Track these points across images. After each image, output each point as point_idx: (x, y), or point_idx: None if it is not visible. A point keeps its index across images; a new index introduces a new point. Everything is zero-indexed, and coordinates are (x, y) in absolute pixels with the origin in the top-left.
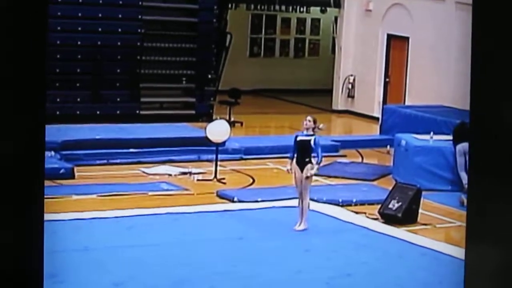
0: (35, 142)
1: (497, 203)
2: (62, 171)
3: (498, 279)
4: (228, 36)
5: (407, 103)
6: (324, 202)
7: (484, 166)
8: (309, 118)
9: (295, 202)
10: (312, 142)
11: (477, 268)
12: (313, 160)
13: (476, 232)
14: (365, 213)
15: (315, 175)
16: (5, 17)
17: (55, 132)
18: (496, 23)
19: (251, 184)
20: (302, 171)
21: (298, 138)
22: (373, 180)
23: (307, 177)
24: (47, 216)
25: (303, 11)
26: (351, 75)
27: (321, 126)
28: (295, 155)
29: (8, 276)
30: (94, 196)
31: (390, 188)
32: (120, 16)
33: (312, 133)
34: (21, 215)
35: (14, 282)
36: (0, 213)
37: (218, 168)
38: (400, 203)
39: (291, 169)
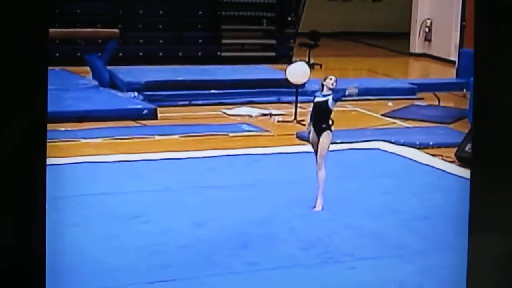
0: (36, 138)
1: (500, 193)
2: (145, 111)
3: (501, 270)
4: None
5: None
6: (402, 145)
7: (487, 156)
8: (331, 76)
9: (373, 145)
10: (329, 103)
11: (480, 259)
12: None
13: (479, 222)
14: (441, 155)
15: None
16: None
17: (138, 73)
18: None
19: None
20: (318, 137)
21: (315, 100)
22: (449, 123)
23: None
24: (131, 157)
25: None
26: (428, 19)
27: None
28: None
29: (9, 277)
30: (176, 136)
31: (466, 131)
32: None
33: (330, 92)
34: (22, 215)
35: (15, 283)
36: (1, 212)
37: (298, 109)
38: None
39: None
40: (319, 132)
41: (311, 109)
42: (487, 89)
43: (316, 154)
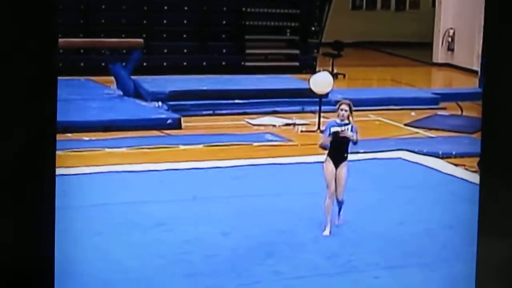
0: (44, 139)
1: (509, 197)
2: (169, 121)
3: (511, 272)
4: None
5: None
6: (425, 154)
7: (496, 161)
8: (344, 107)
9: (396, 154)
10: (349, 133)
11: (489, 261)
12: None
13: (488, 225)
14: (464, 165)
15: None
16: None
17: (162, 83)
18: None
19: None
20: (336, 167)
21: (333, 130)
22: (472, 133)
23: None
24: (156, 166)
25: None
26: (451, 28)
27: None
28: (329, 149)
29: (19, 263)
30: (200, 146)
31: None
32: None
33: (347, 121)
34: (28, 216)
35: (25, 270)
36: (10, 205)
37: (322, 119)
38: None
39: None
40: (338, 161)
41: (330, 139)
42: (496, 88)
43: (329, 184)
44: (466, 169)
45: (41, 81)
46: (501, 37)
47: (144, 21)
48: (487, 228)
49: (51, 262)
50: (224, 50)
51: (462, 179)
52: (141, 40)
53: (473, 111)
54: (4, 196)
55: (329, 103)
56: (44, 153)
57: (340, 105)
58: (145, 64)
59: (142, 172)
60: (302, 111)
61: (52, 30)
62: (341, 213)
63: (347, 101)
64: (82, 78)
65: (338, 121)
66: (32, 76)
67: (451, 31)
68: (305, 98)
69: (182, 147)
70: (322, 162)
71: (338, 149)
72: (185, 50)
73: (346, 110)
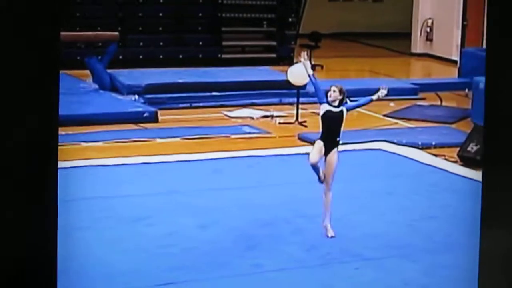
0: (48, 137)
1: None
2: (145, 114)
3: None
4: None
5: (484, 46)
6: (404, 145)
7: (500, 152)
8: (333, 88)
9: (376, 145)
10: (344, 115)
11: (492, 253)
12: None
13: (492, 217)
14: (444, 155)
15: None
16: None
17: (138, 76)
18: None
19: None
20: (327, 154)
21: (325, 110)
22: (452, 123)
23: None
24: (133, 160)
25: None
26: (429, 18)
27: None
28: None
29: (22, 259)
30: (177, 139)
31: (469, 131)
32: None
33: (337, 104)
34: (36, 202)
35: (27, 267)
36: (14, 199)
37: (300, 111)
38: (478, 146)
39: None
40: (330, 147)
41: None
42: (498, 90)
43: (312, 156)
44: (446, 159)
45: (43, 68)
46: (504, 36)
47: (120, 14)
48: (491, 220)
49: (54, 260)
50: (200, 43)
51: (442, 169)
52: (116, 33)
53: (452, 101)
54: (6, 184)
55: (307, 94)
56: (48, 150)
57: (331, 87)
58: (121, 57)
59: (119, 166)
60: (280, 103)
61: (55, 17)
62: (328, 219)
63: (339, 85)
64: None
65: (332, 103)
66: (34, 63)
67: (430, 21)
68: (282, 90)
69: (159, 140)
70: (301, 154)
71: (330, 133)
72: (161, 43)
73: (334, 91)
